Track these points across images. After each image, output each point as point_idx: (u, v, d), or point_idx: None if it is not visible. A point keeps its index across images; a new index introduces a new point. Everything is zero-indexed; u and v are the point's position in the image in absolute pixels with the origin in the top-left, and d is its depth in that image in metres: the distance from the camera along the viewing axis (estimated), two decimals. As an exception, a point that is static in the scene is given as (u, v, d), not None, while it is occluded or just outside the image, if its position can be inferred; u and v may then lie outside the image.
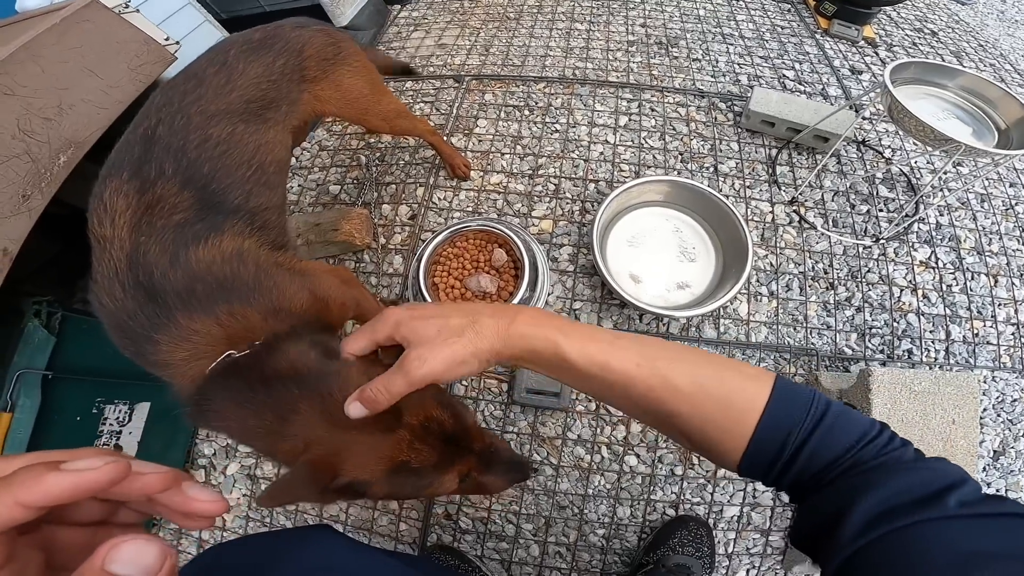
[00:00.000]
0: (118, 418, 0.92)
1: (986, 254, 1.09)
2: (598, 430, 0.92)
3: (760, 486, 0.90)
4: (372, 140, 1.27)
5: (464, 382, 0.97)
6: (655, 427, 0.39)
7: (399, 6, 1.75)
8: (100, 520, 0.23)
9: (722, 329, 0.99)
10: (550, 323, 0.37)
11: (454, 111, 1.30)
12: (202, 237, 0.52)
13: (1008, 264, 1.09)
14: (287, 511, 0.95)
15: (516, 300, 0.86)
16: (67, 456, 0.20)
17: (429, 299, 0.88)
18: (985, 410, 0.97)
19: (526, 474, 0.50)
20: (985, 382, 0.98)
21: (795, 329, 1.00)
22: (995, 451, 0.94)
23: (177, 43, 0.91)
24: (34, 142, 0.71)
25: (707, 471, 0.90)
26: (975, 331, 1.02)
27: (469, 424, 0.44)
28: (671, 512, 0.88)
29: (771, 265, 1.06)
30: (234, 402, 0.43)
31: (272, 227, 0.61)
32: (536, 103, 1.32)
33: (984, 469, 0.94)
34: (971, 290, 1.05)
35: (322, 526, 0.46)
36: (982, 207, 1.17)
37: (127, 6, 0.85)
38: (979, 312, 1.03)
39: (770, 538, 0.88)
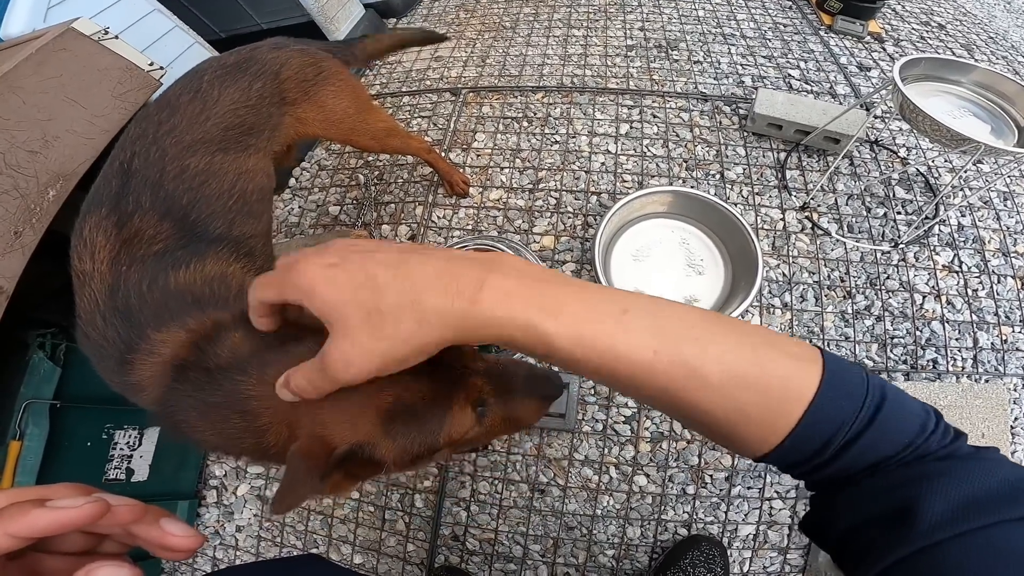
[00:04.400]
0: (128, 443, 0.92)
1: (1012, 255, 1.04)
2: (606, 450, 0.90)
3: (777, 503, 0.87)
4: (370, 158, 1.26)
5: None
6: (666, 413, 0.32)
7: (395, 19, 1.74)
8: (85, 550, 0.25)
9: (733, 344, 0.96)
10: (531, 297, 0.28)
11: (452, 125, 1.29)
12: (184, 262, 0.50)
13: (1036, 265, 1.04)
14: (296, 531, 0.94)
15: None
16: (46, 493, 0.22)
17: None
18: (1017, 419, 0.92)
19: (556, 387, 0.42)
20: (1016, 390, 0.93)
21: (811, 341, 0.95)
22: (1031, 461, 0.90)
23: (162, 68, 0.88)
24: (21, 177, 0.69)
25: (720, 490, 0.87)
26: (1004, 337, 0.96)
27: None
28: (683, 532, 0.86)
29: (784, 275, 1.02)
30: (193, 408, 0.39)
31: (258, 255, 0.59)
32: (535, 114, 1.30)
33: (1020, 480, 0.89)
34: (998, 294, 1.00)
35: (310, 555, 0.45)
36: (1005, 206, 1.11)
37: (106, 32, 0.82)
38: (1007, 317, 0.98)
39: (788, 556, 0.85)
